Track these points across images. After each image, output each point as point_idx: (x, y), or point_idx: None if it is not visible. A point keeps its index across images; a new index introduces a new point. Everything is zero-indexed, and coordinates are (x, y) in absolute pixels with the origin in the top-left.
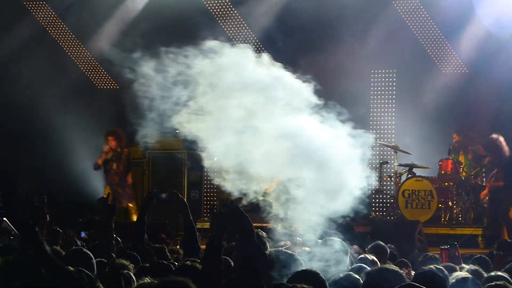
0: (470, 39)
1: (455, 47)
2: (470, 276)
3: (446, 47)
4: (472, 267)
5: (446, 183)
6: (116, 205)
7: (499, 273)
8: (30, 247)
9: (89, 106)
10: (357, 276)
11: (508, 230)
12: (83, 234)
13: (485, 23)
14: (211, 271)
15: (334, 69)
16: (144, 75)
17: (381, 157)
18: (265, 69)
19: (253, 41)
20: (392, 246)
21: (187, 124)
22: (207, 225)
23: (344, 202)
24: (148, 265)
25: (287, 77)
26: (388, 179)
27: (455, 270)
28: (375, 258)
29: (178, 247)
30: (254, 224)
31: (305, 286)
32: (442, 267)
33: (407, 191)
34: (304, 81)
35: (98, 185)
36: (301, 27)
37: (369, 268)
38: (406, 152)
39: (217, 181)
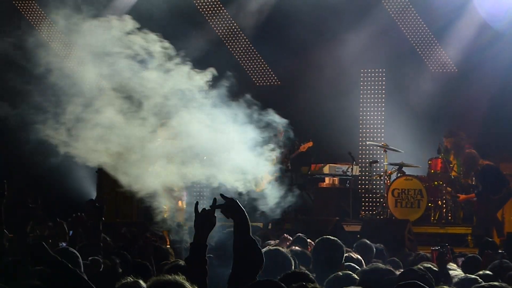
0: (460, 38)
1: (445, 46)
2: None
3: (436, 47)
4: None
5: (436, 182)
6: (104, 206)
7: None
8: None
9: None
10: (356, 276)
11: (497, 231)
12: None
13: (481, 13)
14: (196, 271)
15: (323, 68)
16: None
17: (371, 156)
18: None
19: (243, 39)
20: (381, 245)
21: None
22: None
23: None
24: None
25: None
26: (378, 178)
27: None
28: (359, 257)
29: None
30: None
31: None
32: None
33: (396, 190)
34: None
35: (88, 184)
36: (290, 26)
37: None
38: (396, 150)
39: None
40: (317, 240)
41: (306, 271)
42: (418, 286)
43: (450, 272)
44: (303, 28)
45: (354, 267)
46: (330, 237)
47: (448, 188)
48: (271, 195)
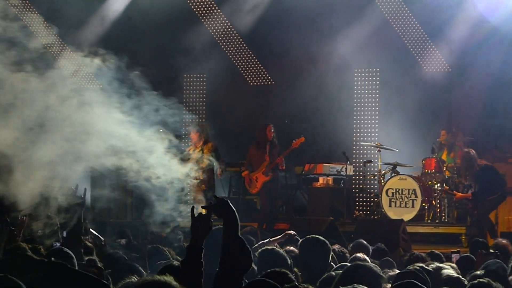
0: (453, 38)
1: (438, 46)
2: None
3: (429, 46)
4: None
5: (430, 182)
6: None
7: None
8: None
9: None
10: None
11: (490, 231)
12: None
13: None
14: (192, 274)
15: (317, 68)
16: None
17: (365, 156)
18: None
19: (237, 39)
20: (382, 244)
21: None
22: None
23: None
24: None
25: None
26: (372, 178)
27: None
28: (366, 257)
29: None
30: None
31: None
32: (427, 267)
33: (390, 190)
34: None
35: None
36: (284, 26)
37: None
38: (391, 149)
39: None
40: (302, 239)
41: (286, 271)
42: (415, 286)
43: (444, 271)
44: (297, 28)
45: (346, 265)
46: (315, 236)
47: (445, 186)
48: None
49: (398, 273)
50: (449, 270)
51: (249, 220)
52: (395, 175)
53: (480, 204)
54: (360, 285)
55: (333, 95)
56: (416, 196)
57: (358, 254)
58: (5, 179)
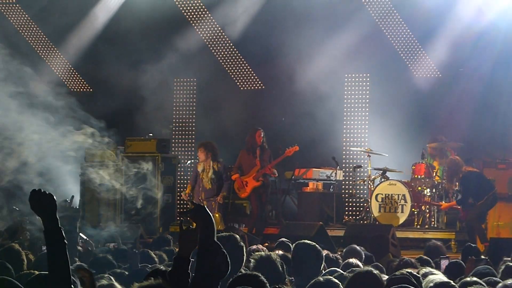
0: (443, 43)
1: (428, 51)
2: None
3: (419, 51)
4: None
5: (419, 187)
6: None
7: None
8: None
9: (62, 108)
10: (337, 281)
11: (480, 237)
12: None
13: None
14: (179, 285)
15: (308, 73)
16: None
17: (355, 161)
18: None
19: (227, 43)
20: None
21: None
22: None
23: None
24: None
25: None
26: (362, 183)
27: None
28: (358, 262)
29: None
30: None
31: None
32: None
33: (380, 195)
34: None
35: (72, 188)
36: (275, 31)
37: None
38: (381, 154)
39: None
40: (295, 244)
41: (257, 273)
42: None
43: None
44: (287, 33)
45: (335, 270)
46: (307, 241)
47: (427, 198)
48: None
49: (389, 278)
50: (438, 276)
51: (238, 224)
52: (384, 180)
53: (469, 210)
54: None
55: (323, 100)
56: (405, 202)
57: (351, 260)
58: None
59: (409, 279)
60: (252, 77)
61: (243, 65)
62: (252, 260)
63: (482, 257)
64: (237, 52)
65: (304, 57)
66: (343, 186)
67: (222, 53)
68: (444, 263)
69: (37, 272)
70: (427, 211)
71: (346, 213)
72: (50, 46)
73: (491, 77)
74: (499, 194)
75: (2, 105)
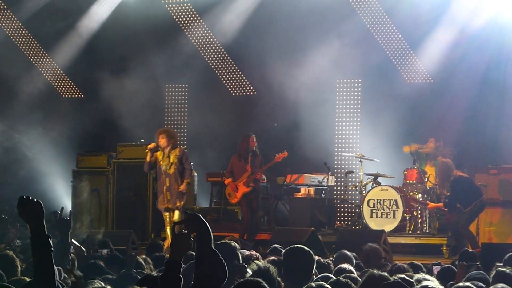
0: (435, 48)
1: (420, 56)
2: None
3: (411, 57)
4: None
5: (411, 193)
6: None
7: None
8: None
9: (53, 115)
10: (329, 287)
11: (471, 244)
12: None
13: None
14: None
15: (299, 78)
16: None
17: (347, 166)
18: None
19: (219, 49)
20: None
21: None
22: None
23: None
24: None
25: None
26: (353, 188)
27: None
28: (352, 268)
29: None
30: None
31: None
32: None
33: (372, 201)
34: None
35: (64, 196)
36: (266, 37)
37: (334, 278)
38: (372, 160)
39: None
40: (286, 249)
41: (259, 279)
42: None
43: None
44: (279, 38)
45: (328, 276)
46: (299, 246)
47: (415, 194)
48: None
49: (382, 284)
50: (432, 282)
51: (230, 230)
52: (376, 186)
53: (456, 215)
54: None
55: (315, 105)
56: (397, 207)
57: (343, 265)
58: None
59: (403, 284)
60: (244, 83)
61: (234, 70)
62: (249, 271)
63: (476, 263)
64: (228, 57)
65: (295, 62)
66: (335, 192)
67: (214, 58)
68: (436, 269)
69: (27, 279)
70: (419, 216)
71: (338, 218)
72: (41, 52)
73: (482, 82)
74: (491, 200)
75: None
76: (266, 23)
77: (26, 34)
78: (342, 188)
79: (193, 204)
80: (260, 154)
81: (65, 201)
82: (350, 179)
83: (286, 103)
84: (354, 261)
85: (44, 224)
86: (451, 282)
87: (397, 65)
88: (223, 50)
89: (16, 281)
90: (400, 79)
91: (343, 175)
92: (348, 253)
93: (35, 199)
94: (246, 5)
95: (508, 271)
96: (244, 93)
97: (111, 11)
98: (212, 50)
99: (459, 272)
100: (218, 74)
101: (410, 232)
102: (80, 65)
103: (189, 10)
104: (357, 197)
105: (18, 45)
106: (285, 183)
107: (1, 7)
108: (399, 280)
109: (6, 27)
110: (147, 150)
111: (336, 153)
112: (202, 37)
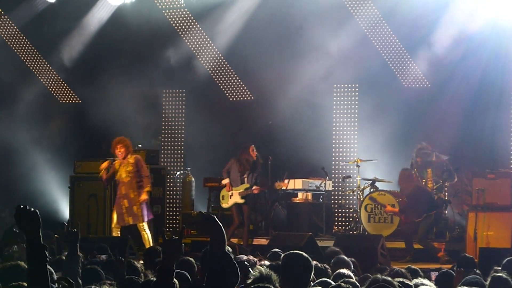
0: (432, 53)
1: (417, 61)
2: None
3: (408, 62)
4: None
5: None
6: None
7: None
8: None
9: (51, 120)
10: None
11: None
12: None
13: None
14: None
15: (296, 83)
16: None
17: (344, 171)
18: None
19: (216, 54)
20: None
21: None
22: None
23: None
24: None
25: None
26: (351, 193)
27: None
28: (350, 273)
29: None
30: None
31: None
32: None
33: (369, 205)
34: None
35: (62, 202)
36: (264, 42)
37: (333, 283)
38: (370, 160)
39: None
40: (284, 255)
41: (269, 285)
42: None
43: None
44: (276, 43)
45: (326, 281)
46: (297, 251)
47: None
48: None
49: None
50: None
51: (228, 235)
52: (374, 191)
53: (408, 222)
54: None
55: (312, 110)
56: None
57: (342, 270)
58: None
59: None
60: (241, 88)
61: (232, 76)
62: (251, 278)
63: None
64: (226, 63)
65: (292, 68)
66: (333, 197)
67: (211, 64)
68: (434, 274)
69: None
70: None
71: (336, 223)
72: (39, 58)
73: (479, 87)
74: (488, 204)
75: None
76: (263, 28)
77: (23, 40)
78: (340, 193)
79: (190, 209)
80: (261, 162)
81: (63, 207)
82: (347, 184)
83: (284, 108)
84: (352, 266)
85: (40, 234)
86: None
87: (394, 69)
88: (220, 55)
89: (15, 286)
90: (397, 84)
91: (340, 180)
92: (346, 258)
93: (32, 209)
94: (243, 10)
95: (504, 276)
96: (242, 98)
97: (108, 17)
98: (209, 56)
99: (457, 277)
100: (216, 79)
101: None
102: (77, 71)
103: (186, 15)
104: (354, 202)
105: (15, 50)
106: (282, 188)
107: None
108: (399, 284)
109: (3, 32)
110: (101, 174)
111: (333, 158)
112: (199, 43)
